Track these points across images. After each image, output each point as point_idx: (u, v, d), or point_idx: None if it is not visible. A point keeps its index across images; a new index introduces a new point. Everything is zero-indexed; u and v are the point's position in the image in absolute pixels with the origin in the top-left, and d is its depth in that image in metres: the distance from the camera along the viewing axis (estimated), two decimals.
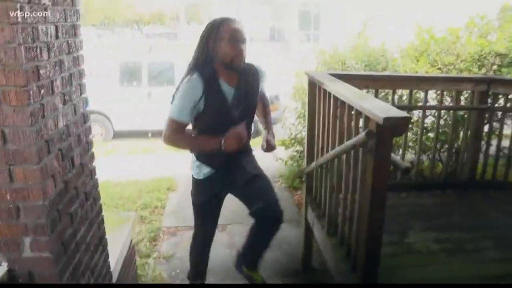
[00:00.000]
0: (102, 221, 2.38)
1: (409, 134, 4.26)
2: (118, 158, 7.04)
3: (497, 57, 4.28)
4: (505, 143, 3.93)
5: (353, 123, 2.35)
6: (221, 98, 2.33)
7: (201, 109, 2.31)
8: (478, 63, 4.30)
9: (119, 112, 7.97)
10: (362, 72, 4.08)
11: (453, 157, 4.32)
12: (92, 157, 2.27)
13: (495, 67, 4.28)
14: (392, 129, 1.92)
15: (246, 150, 2.57)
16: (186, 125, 2.37)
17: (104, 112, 7.94)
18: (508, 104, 3.87)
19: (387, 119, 1.86)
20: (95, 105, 7.61)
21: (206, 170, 2.53)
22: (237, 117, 2.38)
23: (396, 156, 2.40)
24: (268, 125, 2.78)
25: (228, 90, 2.35)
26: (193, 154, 2.56)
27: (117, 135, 8.30)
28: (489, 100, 3.86)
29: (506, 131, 4.00)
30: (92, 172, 2.26)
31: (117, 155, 7.29)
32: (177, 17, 18.78)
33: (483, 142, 4.04)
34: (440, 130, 4.15)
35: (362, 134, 2.04)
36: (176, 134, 2.33)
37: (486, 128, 4.01)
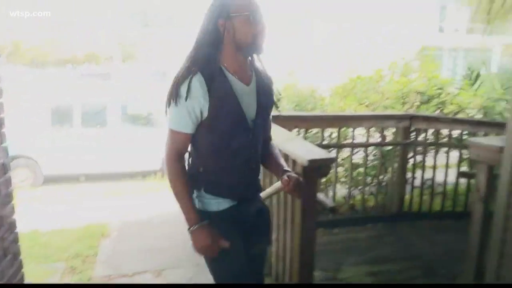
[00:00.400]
0: (22, 278, 2.23)
1: (341, 169, 4.41)
2: (47, 205, 6.69)
3: (418, 95, 4.59)
4: (429, 175, 4.18)
5: None
6: (233, 102, 1.71)
7: (205, 117, 1.69)
8: (402, 101, 4.59)
9: (49, 155, 7.64)
10: (292, 113, 4.21)
11: (382, 191, 4.52)
12: (12, 209, 2.15)
13: (417, 103, 4.58)
14: (317, 170, 1.99)
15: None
16: (190, 137, 1.74)
17: (32, 157, 7.58)
18: (429, 138, 4.15)
19: (311, 161, 1.93)
20: (23, 149, 7.31)
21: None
22: (255, 129, 1.76)
23: (322, 196, 2.48)
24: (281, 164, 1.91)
25: (241, 89, 1.73)
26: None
27: (47, 180, 7.91)
28: (413, 135, 4.12)
29: (430, 163, 4.26)
30: (11, 226, 2.13)
31: (46, 201, 6.93)
32: (111, 56, 18.53)
33: (410, 175, 4.27)
34: (370, 165, 4.34)
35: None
36: (178, 156, 1.73)
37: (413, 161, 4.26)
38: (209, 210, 1.75)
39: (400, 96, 4.51)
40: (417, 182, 4.27)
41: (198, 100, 1.64)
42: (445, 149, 4.25)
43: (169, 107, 1.69)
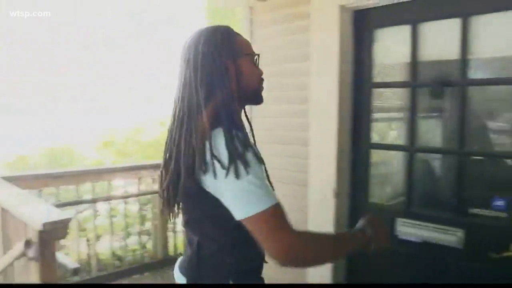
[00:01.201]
0: None
1: (106, 223, 4.30)
2: None
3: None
4: None
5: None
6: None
7: None
8: (159, 149, 4.78)
9: None
10: (40, 171, 3.97)
11: (146, 240, 4.56)
12: None
13: None
14: (53, 233, 1.92)
15: None
16: None
17: None
18: None
19: (46, 225, 1.86)
20: None
21: None
22: None
23: (65, 258, 2.39)
24: None
25: None
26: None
27: None
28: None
29: None
30: None
31: None
32: None
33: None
34: (136, 215, 4.35)
35: (20, 244, 1.96)
36: (290, 226, 1.18)
37: None
38: None
39: (157, 145, 4.70)
40: (180, 226, 4.46)
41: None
42: None
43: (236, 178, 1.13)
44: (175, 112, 1.29)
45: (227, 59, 1.28)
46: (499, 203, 2.01)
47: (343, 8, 2.36)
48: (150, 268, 4.22)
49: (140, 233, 4.32)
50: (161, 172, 1.36)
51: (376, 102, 2.44)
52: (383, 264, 2.36)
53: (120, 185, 4.52)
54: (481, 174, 2.19)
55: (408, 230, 2.24)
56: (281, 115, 2.73)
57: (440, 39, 2.18)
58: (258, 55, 1.37)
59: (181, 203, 1.34)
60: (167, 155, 1.31)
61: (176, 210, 1.36)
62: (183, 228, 1.42)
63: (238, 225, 1.19)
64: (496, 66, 2.12)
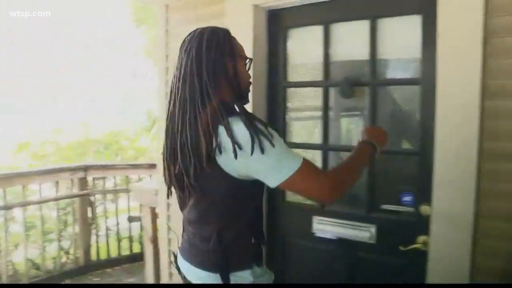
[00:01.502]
0: None
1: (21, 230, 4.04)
2: None
3: (95, 144, 4.68)
4: (113, 221, 4.29)
5: None
6: None
7: None
8: (79, 151, 4.57)
9: None
10: None
11: (67, 245, 4.36)
12: None
13: (94, 152, 4.65)
14: None
15: None
16: None
17: None
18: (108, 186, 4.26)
19: None
20: None
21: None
22: None
23: None
24: None
25: None
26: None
27: None
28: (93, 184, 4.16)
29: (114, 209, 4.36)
30: None
31: None
32: None
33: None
34: (55, 220, 4.13)
35: None
36: (321, 170, 1.49)
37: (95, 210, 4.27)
38: None
39: (76, 147, 4.50)
40: (103, 230, 4.31)
41: None
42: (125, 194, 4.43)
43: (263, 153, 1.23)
44: (175, 100, 1.35)
45: (228, 56, 1.37)
46: (407, 198, 2.10)
47: (257, 8, 2.35)
48: (71, 275, 4.03)
49: (59, 239, 4.11)
50: (165, 160, 1.41)
51: (292, 102, 2.46)
52: (301, 262, 2.40)
53: (37, 189, 4.27)
54: (391, 170, 2.27)
55: (324, 227, 2.28)
56: None
57: (351, 40, 2.23)
58: (251, 59, 1.48)
59: (192, 192, 1.37)
60: (171, 143, 1.37)
61: (188, 197, 1.41)
62: (188, 227, 1.47)
63: (256, 206, 1.43)
64: (400, 67, 2.20)
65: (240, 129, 1.23)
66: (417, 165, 2.03)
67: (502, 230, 1.75)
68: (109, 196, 4.37)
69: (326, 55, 2.23)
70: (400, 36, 2.10)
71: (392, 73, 2.21)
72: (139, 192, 3.08)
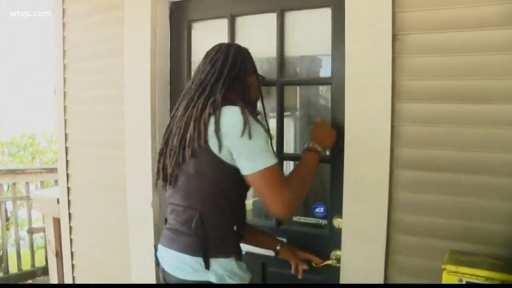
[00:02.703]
0: None
1: None
2: None
3: (5, 146, 4.29)
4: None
5: None
6: None
7: None
8: None
9: None
10: None
11: None
12: None
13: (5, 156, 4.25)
14: None
15: None
16: None
17: None
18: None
19: None
20: None
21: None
22: None
23: None
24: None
25: None
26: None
27: None
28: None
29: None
30: None
31: None
32: None
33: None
34: None
35: None
36: (286, 179, 1.44)
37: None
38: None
39: None
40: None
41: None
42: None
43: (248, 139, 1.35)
44: (186, 103, 1.46)
45: (248, 75, 1.56)
46: (319, 209, 1.92)
47: None
48: None
49: None
50: (161, 150, 1.52)
51: None
52: None
53: None
54: None
55: None
56: (98, 116, 2.41)
57: (258, 34, 2.02)
58: (264, 77, 1.76)
59: (180, 176, 1.45)
60: (169, 133, 1.50)
61: (174, 181, 1.47)
62: (171, 216, 1.51)
63: (240, 195, 1.50)
64: (311, 64, 2.01)
65: (235, 112, 1.35)
66: (328, 173, 1.85)
67: (416, 244, 1.59)
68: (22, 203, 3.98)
69: None
70: (310, 31, 1.91)
71: (302, 71, 2.02)
72: (39, 201, 2.74)
